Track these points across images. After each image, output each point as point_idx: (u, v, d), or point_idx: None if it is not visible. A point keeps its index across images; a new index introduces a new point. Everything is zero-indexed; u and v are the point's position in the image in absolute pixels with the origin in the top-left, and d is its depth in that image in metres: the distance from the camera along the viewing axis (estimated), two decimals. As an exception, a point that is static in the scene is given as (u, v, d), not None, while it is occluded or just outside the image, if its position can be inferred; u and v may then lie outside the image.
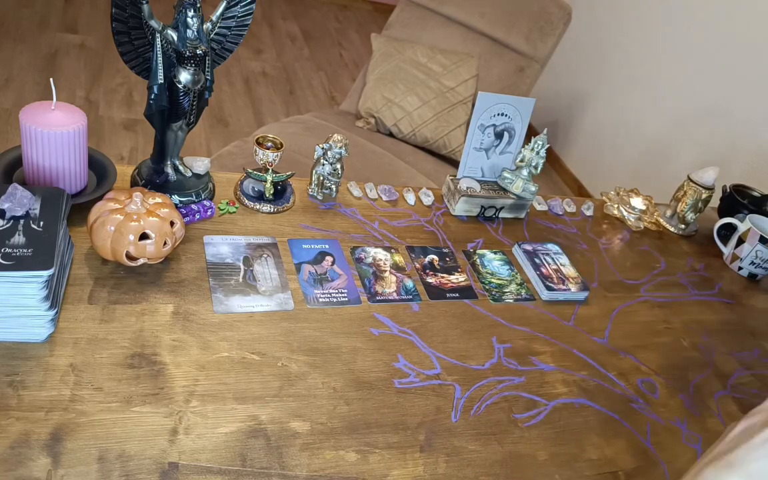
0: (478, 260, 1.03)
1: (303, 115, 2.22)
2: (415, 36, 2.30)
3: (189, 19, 0.81)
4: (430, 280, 0.96)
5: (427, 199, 1.14)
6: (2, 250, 0.64)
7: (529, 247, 1.09)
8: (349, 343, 0.80)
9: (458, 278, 0.98)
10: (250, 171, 0.99)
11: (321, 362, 0.76)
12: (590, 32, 3.16)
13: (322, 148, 1.02)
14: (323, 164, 1.03)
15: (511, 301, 0.97)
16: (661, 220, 1.33)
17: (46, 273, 0.64)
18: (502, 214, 1.16)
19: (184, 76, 0.83)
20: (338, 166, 1.02)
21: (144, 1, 0.78)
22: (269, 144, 0.99)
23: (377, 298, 0.89)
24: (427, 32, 2.32)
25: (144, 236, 0.75)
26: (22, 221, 0.68)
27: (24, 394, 0.62)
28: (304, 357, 0.76)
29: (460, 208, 1.12)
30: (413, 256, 0.99)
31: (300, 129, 2.00)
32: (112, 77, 2.85)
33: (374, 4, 4.67)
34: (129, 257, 0.75)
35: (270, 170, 0.98)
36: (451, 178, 1.15)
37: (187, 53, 0.82)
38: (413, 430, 0.72)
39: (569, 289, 1.02)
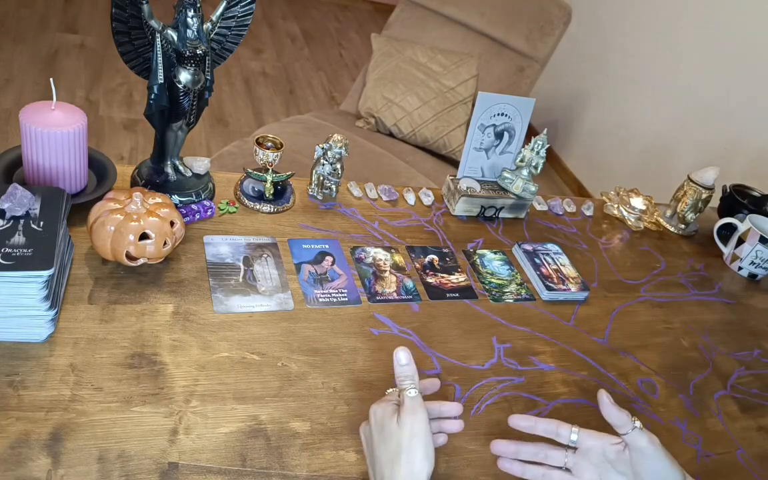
0: (478, 260, 1.03)
1: (303, 115, 2.22)
2: (415, 36, 2.30)
3: (189, 19, 0.81)
4: (430, 280, 0.96)
5: (427, 199, 1.14)
6: (2, 250, 0.64)
7: (529, 247, 1.09)
8: (349, 343, 0.80)
9: (458, 278, 0.98)
10: (250, 171, 0.99)
11: (321, 362, 0.76)
12: (590, 32, 3.15)
13: (322, 148, 1.02)
14: (323, 164, 1.03)
15: (511, 301, 0.97)
16: (661, 220, 1.33)
17: (46, 273, 0.64)
18: (502, 214, 1.16)
19: (184, 76, 0.83)
20: (338, 166, 1.02)
21: (144, 1, 0.78)
22: (269, 144, 0.99)
23: (377, 298, 0.89)
24: (427, 32, 2.32)
25: (144, 236, 0.75)
26: (22, 221, 0.68)
27: (24, 394, 0.62)
28: (304, 357, 0.76)
29: (460, 208, 1.12)
30: (413, 256, 0.99)
31: (300, 129, 2.00)
32: (112, 77, 2.84)
33: (374, 4, 4.67)
34: (129, 257, 0.75)
35: (270, 170, 0.98)
36: (451, 178, 1.15)
37: (187, 53, 0.82)
38: (413, 430, 0.71)
39: (569, 289, 1.02)
